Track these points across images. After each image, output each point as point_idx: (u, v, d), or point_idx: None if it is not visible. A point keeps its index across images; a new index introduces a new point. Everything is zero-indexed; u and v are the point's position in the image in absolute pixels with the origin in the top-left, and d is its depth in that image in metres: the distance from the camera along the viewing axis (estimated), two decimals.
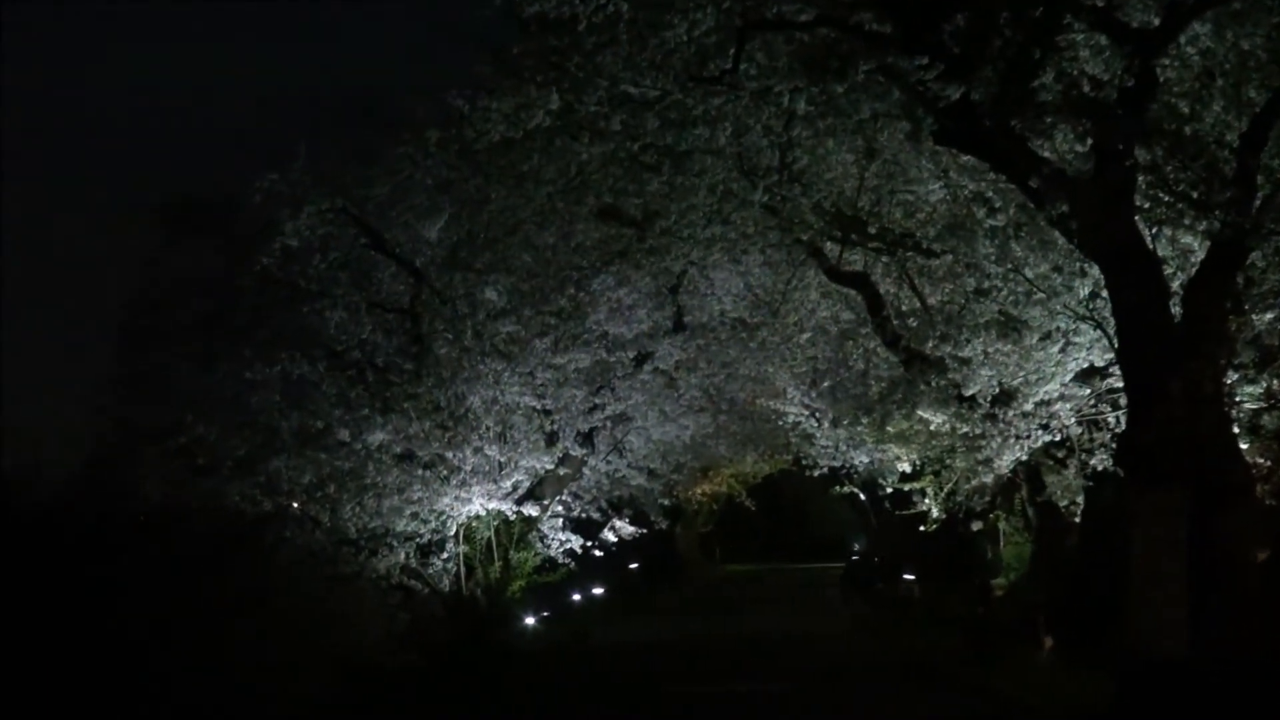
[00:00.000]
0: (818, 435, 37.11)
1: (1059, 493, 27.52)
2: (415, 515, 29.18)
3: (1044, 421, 23.96)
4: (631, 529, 43.02)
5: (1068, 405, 23.79)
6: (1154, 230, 17.40)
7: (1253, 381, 20.44)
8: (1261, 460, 21.47)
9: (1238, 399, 20.14)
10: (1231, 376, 19.07)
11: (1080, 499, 26.52)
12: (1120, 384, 20.18)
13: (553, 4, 16.69)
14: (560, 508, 34.83)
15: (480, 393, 29.40)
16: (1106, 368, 22.62)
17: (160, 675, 18.50)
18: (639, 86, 17.78)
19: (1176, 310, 17.15)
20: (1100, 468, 24.13)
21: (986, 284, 22.03)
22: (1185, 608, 15.94)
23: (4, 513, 20.19)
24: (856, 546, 68.42)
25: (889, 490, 39.26)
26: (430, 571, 30.33)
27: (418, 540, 29.69)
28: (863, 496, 51.58)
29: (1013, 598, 31.69)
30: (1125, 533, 16.98)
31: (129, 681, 18.15)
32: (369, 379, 29.36)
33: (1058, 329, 22.16)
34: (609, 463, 36.33)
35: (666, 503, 44.37)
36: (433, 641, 26.95)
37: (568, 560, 35.52)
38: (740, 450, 47.05)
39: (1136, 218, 16.84)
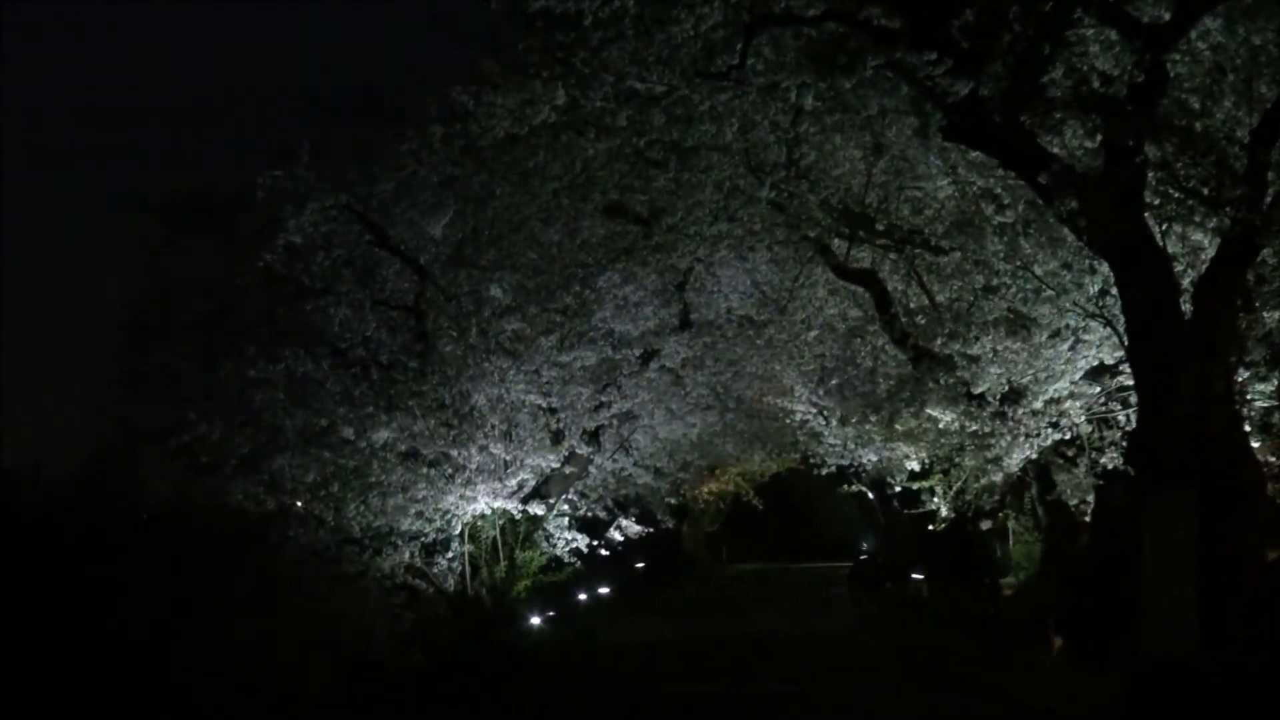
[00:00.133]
0: (825, 433, 36.97)
1: (1069, 491, 27.35)
2: (420, 514, 29.16)
3: (1054, 419, 23.90)
4: (638, 528, 42.89)
5: (1077, 403, 23.74)
6: (1164, 227, 17.34)
7: (1264, 379, 20.26)
8: (1272, 459, 21.29)
9: (1248, 397, 19.98)
10: (1242, 374, 18.91)
11: (1090, 498, 26.36)
12: (1130, 382, 20.17)
13: None
14: (566, 506, 34.72)
15: (485, 390, 29.32)
16: (1116, 365, 22.56)
17: (161, 675, 18.42)
18: (645, 82, 17.63)
19: (1187, 308, 17.10)
20: (1110, 466, 24.06)
21: (995, 281, 21.98)
22: (1196, 607, 15.86)
23: (4, 512, 20.13)
24: (864, 545, 68.38)
25: (897, 489, 39.06)
26: (435, 571, 30.29)
27: (422, 539, 29.66)
28: (871, 495, 51.39)
29: (1022, 597, 31.51)
30: (1136, 532, 16.89)
31: (129, 682, 18.07)
32: (373, 377, 29.30)
33: (1067, 326, 22.10)
34: (615, 461, 36.22)
35: (673, 501, 44.34)
36: (437, 641, 26.92)
37: (573, 560, 35.44)
38: (747, 449, 46.90)
39: (1146, 214, 16.76)
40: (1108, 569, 21.97)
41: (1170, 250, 17.48)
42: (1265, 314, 18.52)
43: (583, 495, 35.88)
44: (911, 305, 26.64)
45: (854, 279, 26.02)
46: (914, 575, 42.04)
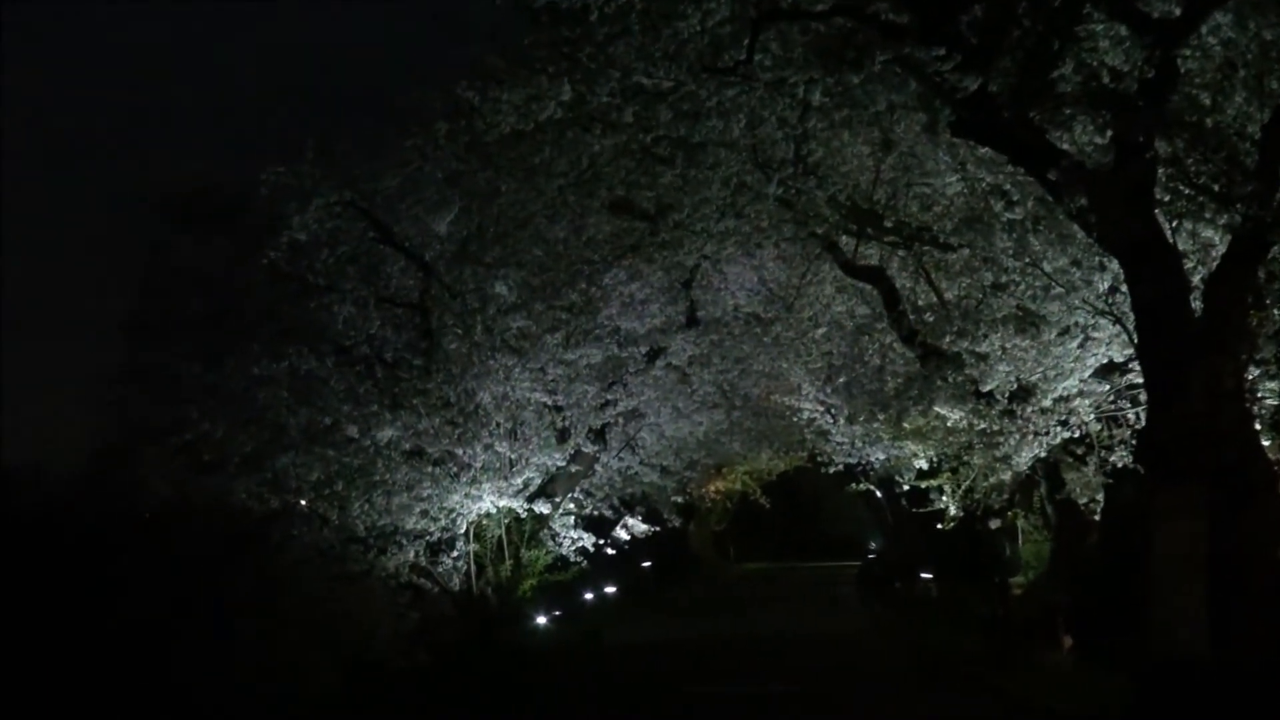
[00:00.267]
0: (833, 432, 37.00)
1: (1078, 490, 27.28)
2: (425, 513, 29.12)
3: (1063, 418, 23.86)
4: (644, 527, 42.96)
5: (1087, 401, 23.71)
6: (1174, 224, 17.20)
7: (1274, 377, 20.18)
8: None
9: (1259, 394, 19.89)
10: (1253, 372, 18.84)
11: (1100, 496, 26.30)
12: (1140, 379, 20.11)
13: None
14: (572, 505, 34.71)
15: (490, 388, 29.28)
16: (1126, 363, 22.51)
17: (161, 675, 18.35)
18: (652, 78, 17.55)
19: (1197, 305, 16.99)
20: (1120, 464, 24.01)
21: (1004, 278, 21.94)
22: (1206, 606, 15.76)
23: (5, 511, 20.08)
24: (873, 545, 68.34)
25: (905, 487, 38.97)
26: (440, 570, 30.23)
27: (427, 538, 29.62)
28: (879, 494, 51.35)
29: (1031, 597, 31.38)
30: (1145, 530, 16.77)
31: (129, 681, 18.00)
32: (378, 374, 29.26)
33: (1076, 324, 22.07)
34: (621, 459, 36.23)
35: (679, 500, 44.37)
36: (442, 641, 26.86)
37: (579, 559, 35.40)
38: (754, 447, 46.91)
39: (1156, 211, 16.66)
40: (1117, 568, 21.89)
41: (1180, 247, 17.39)
42: (1276, 311, 18.39)
43: (588, 494, 35.87)
44: (920, 302, 26.59)
45: (862, 276, 26.01)
46: (922, 574, 41.99)
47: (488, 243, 27.02)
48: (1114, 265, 19.10)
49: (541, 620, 34.59)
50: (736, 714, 22.50)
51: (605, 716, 22.91)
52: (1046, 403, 23.54)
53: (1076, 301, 21.26)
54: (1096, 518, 27.07)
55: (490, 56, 19.18)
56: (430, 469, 28.95)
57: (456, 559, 30.55)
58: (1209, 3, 15.63)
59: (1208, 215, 16.47)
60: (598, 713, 23.21)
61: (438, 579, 30.11)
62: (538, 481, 31.70)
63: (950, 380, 24.12)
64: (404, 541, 28.81)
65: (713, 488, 60.25)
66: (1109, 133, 16.19)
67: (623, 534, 41.75)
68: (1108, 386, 23.45)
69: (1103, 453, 24.70)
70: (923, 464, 33.29)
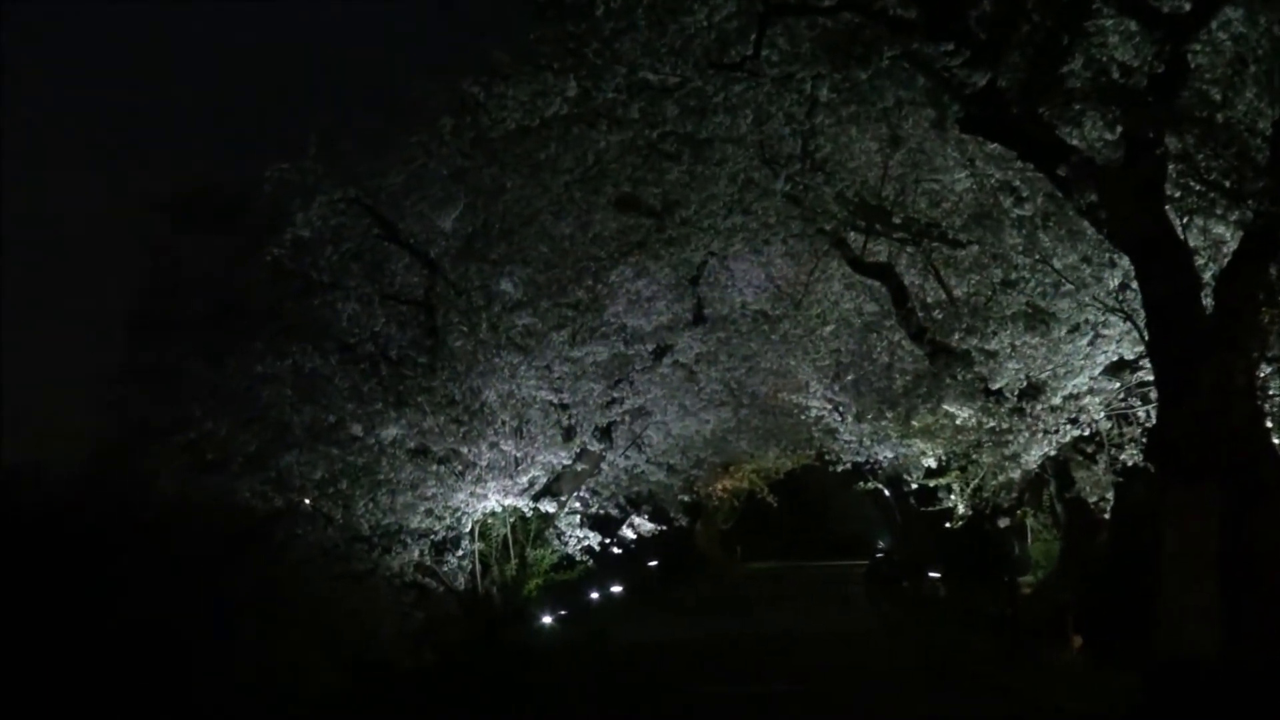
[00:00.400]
0: (841, 430, 36.96)
1: (1088, 488, 27.17)
2: (430, 512, 29.08)
3: (1072, 416, 23.77)
4: (650, 526, 42.91)
5: (1097, 399, 23.61)
6: (1185, 220, 17.14)
7: None
8: None
9: (1270, 392, 19.74)
10: (1264, 369, 18.69)
11: (1110, 495, 26.20)
12: (1150, 377, 20.04)
13: None
14: (578, 504, 34.70)
15: (496, 386, 29.21)
16: (1136, 361, 22.42)
17: (162, 675, 18.29)
18: (658, 73, 17.52)
19: (1208, 302, 16.95)
20: (1130, 463, 23.98)
21: (1014, 275, 21.84)
22: (1217, 605, 15.69)
23: (6, 510, 20.02)
24: (881, 544, 68.26)
25: (914, 486, 39.01)
26: (445, 569, 30.21)
27: (432, 537, 29.60)
28: (887, 493, 51.22)
29: (1041, 596, 31.32)
30: (1156, 529, 16.71)
31: (130, 681, 17.95)
32: (382, 372, 29.18)
33: (1086, 321, 21.98)
34: (627, 458, 36.15)
35: (686, 499, 44.35)
36: (447, 640, 26.86)
37: (585, 558, 35.41)
38: (762, 445, 46.78)
39: (1167, 207, 16.62)
40: (1127, 567, 21.85)
41: (1191, 243, 17.31)
42: None
43: (595, 492, 35.86)
44: (928, 299, 26.59)
45: (870, 273, 25.97)
46: (931, 574, 41.92)
47: (493, 239, 27.02)
48: (1124, 262, 19.03)
49: (547, 620, 34.52)
50: (743, 714, 22.42)
51: (611, 717, 22.84)
52: (1056, 400, 23.45)
53: (1086, 298, 21.19)
54: (1106, 516, 26.96)
55: (496, 52, 19.15)
56: (435, 467, 28.90)
57: (461, 558, 30.51)
58: None
59: (1218, 211, 16.40)
60: (603, 713, 23.15)
61: (442, 578, 30.07)
62: (543, 480, 31.69)
63: (959, 378, 24.07)
64: (409, 540, 28.78)
65: (720, 486, 60.16)
66: (1119, 128, 16.08)
67: (629, 533, 41.72)
68: (1118, 384, 23.36)
69: (1113, 451, 24.66)
70: (931, 462, 33.30)
